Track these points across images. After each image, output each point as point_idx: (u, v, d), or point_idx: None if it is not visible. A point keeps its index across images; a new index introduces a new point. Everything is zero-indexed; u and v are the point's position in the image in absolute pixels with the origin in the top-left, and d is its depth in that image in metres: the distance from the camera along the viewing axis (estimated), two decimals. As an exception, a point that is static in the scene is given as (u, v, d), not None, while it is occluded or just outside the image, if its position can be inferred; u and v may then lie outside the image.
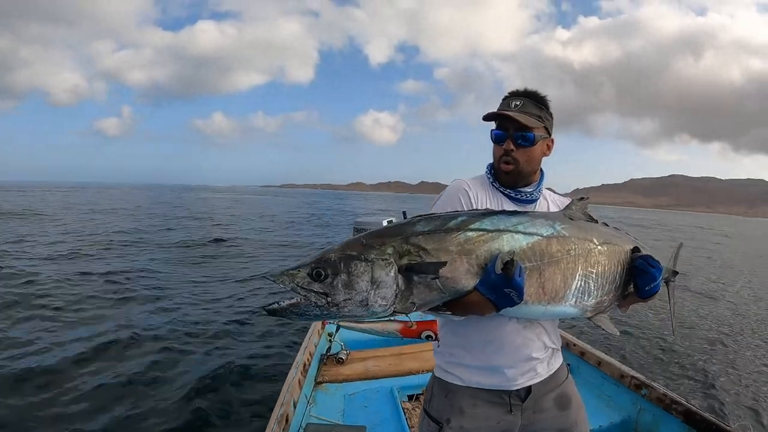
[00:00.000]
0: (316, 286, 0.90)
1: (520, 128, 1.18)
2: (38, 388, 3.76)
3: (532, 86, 1.24)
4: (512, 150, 1.19)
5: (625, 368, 2.60)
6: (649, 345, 5.36)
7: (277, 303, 0.91)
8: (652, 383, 2.42)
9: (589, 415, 2.37)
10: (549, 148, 1.27)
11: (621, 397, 2.54)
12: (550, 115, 1.25)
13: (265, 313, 0.92)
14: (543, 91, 1.23)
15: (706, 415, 2.12)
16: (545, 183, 1.32)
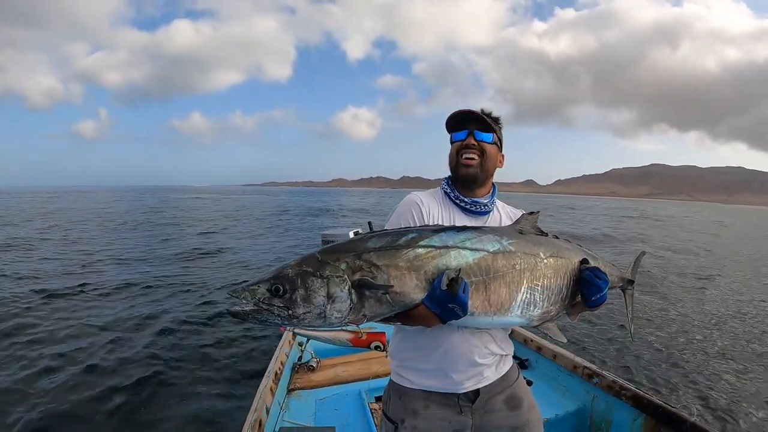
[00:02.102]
0: (276, 301, 0.96)
1: (481, 126, 1.26)
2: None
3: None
4: (474, 144, 1.26)
5: (578, 359, 2.73)
6: (609, 339, 5.62)
7: (241, 307, 0.97)
8: (603, 372, 2.56)
9: (546, 405, 2.51)
10: (501, 161, 1.33)
11: (576, 386, 2.67)
12: (502, 134, 1.32)
13: (229, 315, 0.98)
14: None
15: (653, 398, 2.26)
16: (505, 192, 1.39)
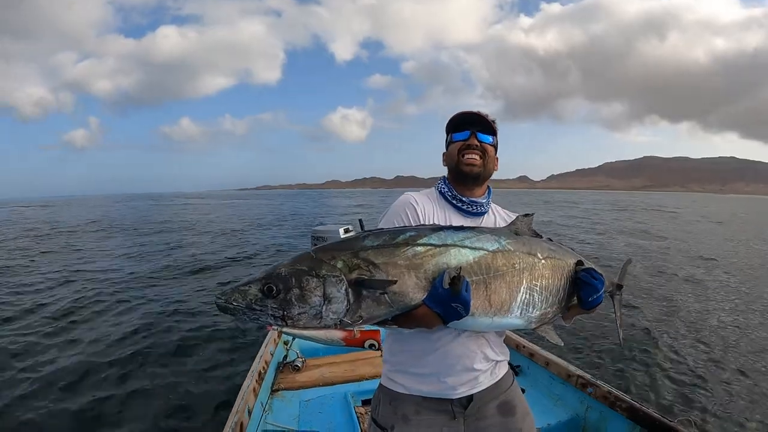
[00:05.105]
0: (269, 302, 0.91)
1: (483, 128, 1.27)
2: None
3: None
4: (476, 145, 1.25)
5: (572, 368, 2.66)
6: (600, 345, 5.43)
7: (230, 303, 0.91)
8: (597, 381, 2.50)
9: (538, 414, 2.42)
10: (496, 164, 1.33)
11: (569, 396, 2.61)
12: (497, 139, 1.33)
13: (217, 309, 0.91)
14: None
15: (649, 410, 2.19)
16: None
